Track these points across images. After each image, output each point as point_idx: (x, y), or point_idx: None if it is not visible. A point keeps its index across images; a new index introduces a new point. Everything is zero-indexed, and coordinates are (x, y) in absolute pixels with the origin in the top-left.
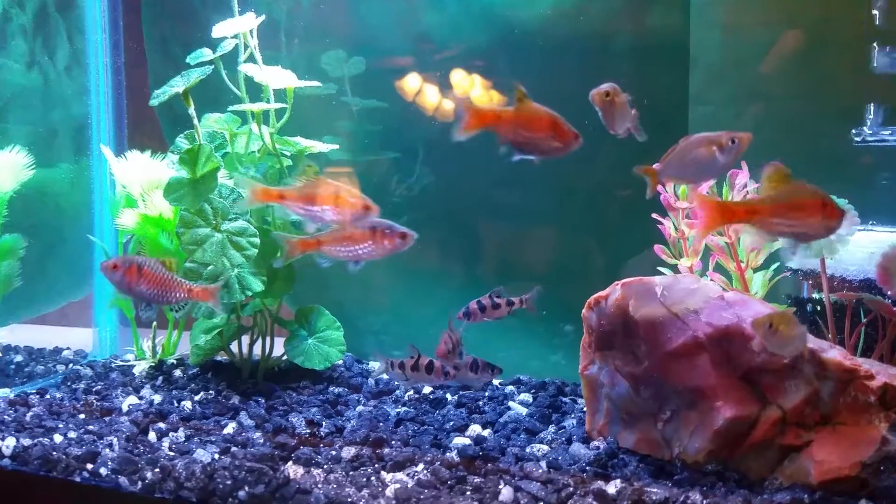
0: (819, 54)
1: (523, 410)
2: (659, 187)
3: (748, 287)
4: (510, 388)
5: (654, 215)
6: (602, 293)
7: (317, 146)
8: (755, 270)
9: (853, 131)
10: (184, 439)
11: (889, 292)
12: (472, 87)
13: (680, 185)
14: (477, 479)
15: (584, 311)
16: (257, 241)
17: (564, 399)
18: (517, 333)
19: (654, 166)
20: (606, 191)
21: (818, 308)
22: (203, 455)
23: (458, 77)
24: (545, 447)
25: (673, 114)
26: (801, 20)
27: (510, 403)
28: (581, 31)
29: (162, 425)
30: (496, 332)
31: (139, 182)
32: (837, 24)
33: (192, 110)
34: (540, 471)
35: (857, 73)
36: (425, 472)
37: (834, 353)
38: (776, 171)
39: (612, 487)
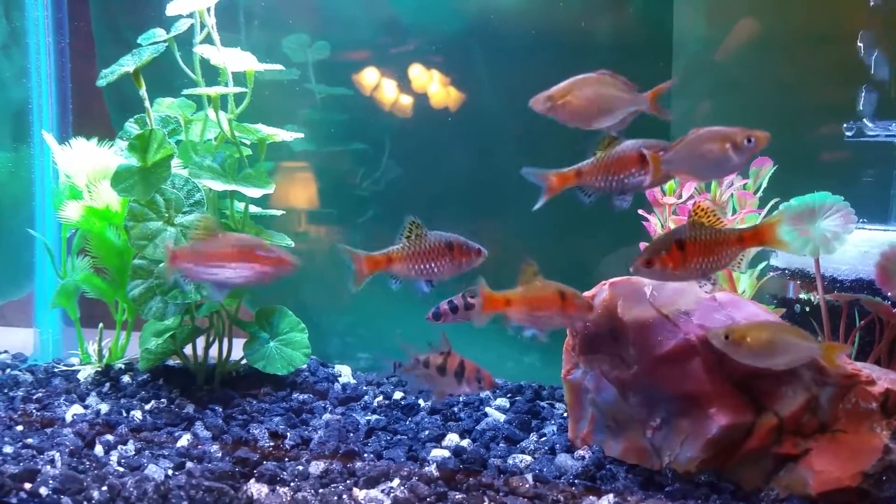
0: (806, 46)
1: (501, 417)
2: (652, 195)
3: (735, 287)
4: (485, 392)
5: (640, 211)
6: (588, 294)
7: (280, 134)
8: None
9: (844, 126)
10: (134, 453)
11: (890, 293)
12: (432, 81)
13: (682, 179)
14: (458, 496)
15: None
16: None
17: (542, 403)
18: (489, 334)
19: (660, 153)
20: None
21: (806, 309)
22: (155, 471)
23: (421, 69)
24: (528, 457)
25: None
26: (787, 11)
27: (487, 409)
28: (560, 21)
29: (109, 437)
30: (467, 333)
31: (84, 171)
32: (825, 15)
33: (143, 91)
34: (526, 485)
35: (845, 65)
36: (402, 488)
37: None
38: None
39: (604, 503)
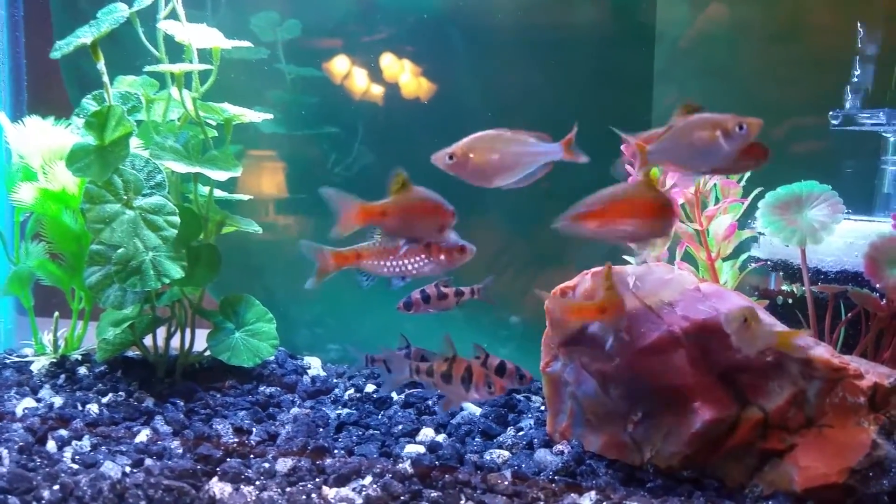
0: (791, 32)
1: (477, 410)
2: (628, 167)
3: (717, 277)
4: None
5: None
6: (569, 283)
7: (247, 115)
8: (724, 260)
9: (830, 114)
10: (89, 449)
11: (878, 285)
12: (406, 67)
13: (670, 169)
14: (434, 493)
15: (547, 302)
16: (176, 219)
17: (518, 396)
18: (462, 326)
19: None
20: (556, 174)
21: (789, 301)
22: (112, 469)
23: (396, 54)
24: (506, 453)
25: (636, 92)
26: None
27: (462, 402)
28: (539, 6)
29: (63, 433)
30: (439, 324)
31: (39, 151)
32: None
33: (101, 65)
34: (505, 482)
35: (833, 52)
36: (374, 486)
37: (821, 351)
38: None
39: (586, 501)
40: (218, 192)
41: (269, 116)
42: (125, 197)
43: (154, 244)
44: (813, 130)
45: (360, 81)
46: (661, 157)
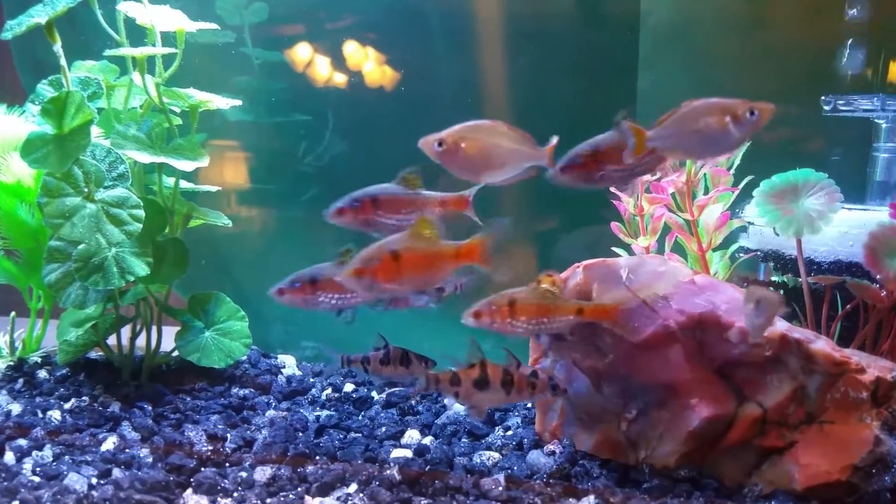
0: (780, 15)
1: (462, 409)
2: None
3: (708, 268)
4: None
5: (612, 189)
6: (560, 276)
7: (214, 101)
8: (713, 250)
9: (822, 99)
10: (51, 459)
11: (878, 275)
12: (377, 56)
13: (672, 157)
14: (424, 501)
15: None
16: (141, 213)
17: None
18: (438, 320)
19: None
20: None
21: (781, 292)
22: (77, 481)
23: (369, 39)
24: (496, 454)
25: (620, 79)
26: None
27: (446, 401)
28: None
29: (22, 442)
30: (415, 318)
31: None
32: None
33: (58, 47)
34: (499, 488)
35: (820, 37)
36: (361, 494)
37: (821, 344)
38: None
39: None
40: (184, 184)
41: (238, 102)
42: (86, 189)
43: (117, 239)
44: (799, 118)
45: (329, 67)
46: (661, 144)
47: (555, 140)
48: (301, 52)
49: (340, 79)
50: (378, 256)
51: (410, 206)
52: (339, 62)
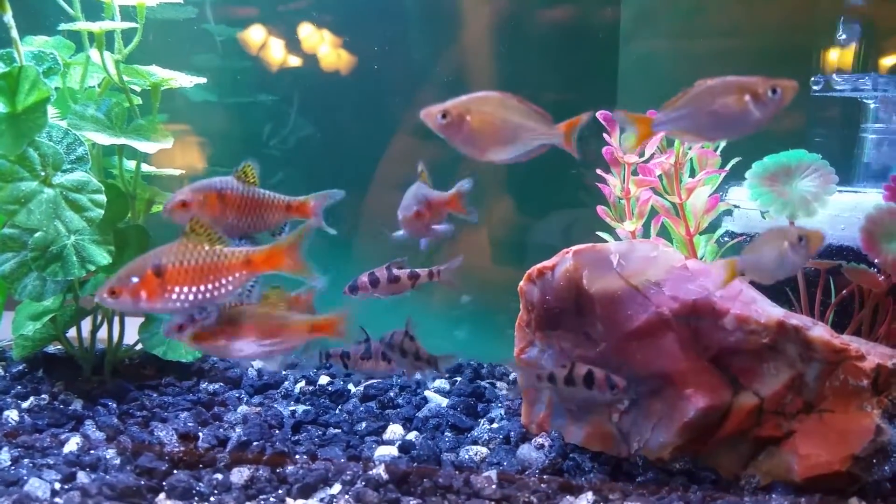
0: None
1: (443, 401)
2: (605, 136)
3: (696, 253)
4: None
5: (598, 171)
6: (547, 263)
7: (178, 79)
8: (700, 234)
9: (812, 79)
10: (10, 463)
11: (876, 259)
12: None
13: (684, 140)
14: (413, 501)
15: (522, 283)
16: (102, 198)
17: (482, 383)
18: (410, 307)
19: (650, 113)
20: None
21: None
22: (39, 487)
23: (341, 16)
24: (483, 449)
25: (601, 54)
26: None
27: (427, 393)
28: None
29: None
30: (387, 306)
31: None
32: None
33: (8, 17)
34: (492, 486)
35: (809, 13)
36: (346, 495)
37: (820, 331)
38: None
39: (583, 502)
40: (145, 167)
41: (202, 80)
42: (42, 173)
43: (77, 227)
44: (797, 95)
45: (295, 46)
46: (673, 126)
47: (576, 118)
48: (261, 31)
49: (307, 58)
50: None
51: (257, 207)
52: (305, 41)
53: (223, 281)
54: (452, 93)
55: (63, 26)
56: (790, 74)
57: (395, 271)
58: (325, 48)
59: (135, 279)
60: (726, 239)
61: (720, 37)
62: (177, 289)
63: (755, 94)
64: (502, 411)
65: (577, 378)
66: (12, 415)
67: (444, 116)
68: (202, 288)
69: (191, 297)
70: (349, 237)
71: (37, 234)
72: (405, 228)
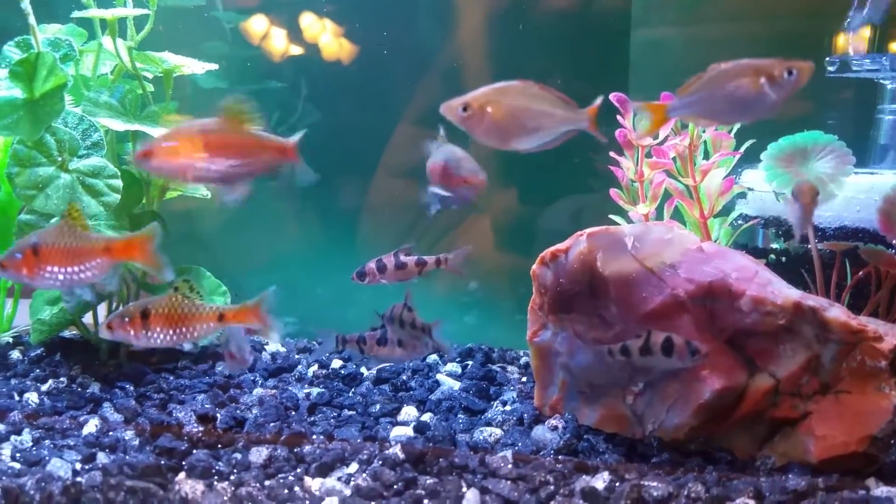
0: None
1: (455, 384)
2: (619, 118)
3: (710, 235)
4: (433, 356)
5: (611, 154)
6: (560, 246)
7: (190, 66)
8: (714, 217)
9: (827, 60)
10: (31, 444)
11: (894, 241)
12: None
13: (699, 124)
14: (430, 481)
15: (535, 266)
16: (119, 183)
17: (494, 367)
18: (419, 293)
19: (663, 100)
20: None
21: (783, 259)
22: (60, 467)
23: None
24: (497, 430)
25: (612, 42)
26: None
27: (438, 377)
28: None
29: (0, 427)
30: (395, 291)
31: None
32: None
33: (26, 4)
34: (508, 466)
35: None
36: (363, 474)
37: (836, 312)
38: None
39: (599, 482)
40: None
41: (214, 67)
42: (59, 158)
43: (94, 211)
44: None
45: (304, 32)
46: (689, 111)
47: (598, 101)
48: (268, 19)
49: (314, 46)
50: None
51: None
52: (311, 29)
53: (87, 265)
54: (460, 80)
55: (76, 14)
56: (804, 56)
57: (403, 258)
58: (332, 36)
59: (18, 255)
60: (740, 222)
61: (732, 21)
62: (48, 267)
63: (770, 76)
64: (514, 394)
65: (655, 347)
66: (32, 397)
67: (465, 109)
68: (69, 269)
69: (60, 276)
70: (355, 223)
71: (54, 220)
72: (437, 181)
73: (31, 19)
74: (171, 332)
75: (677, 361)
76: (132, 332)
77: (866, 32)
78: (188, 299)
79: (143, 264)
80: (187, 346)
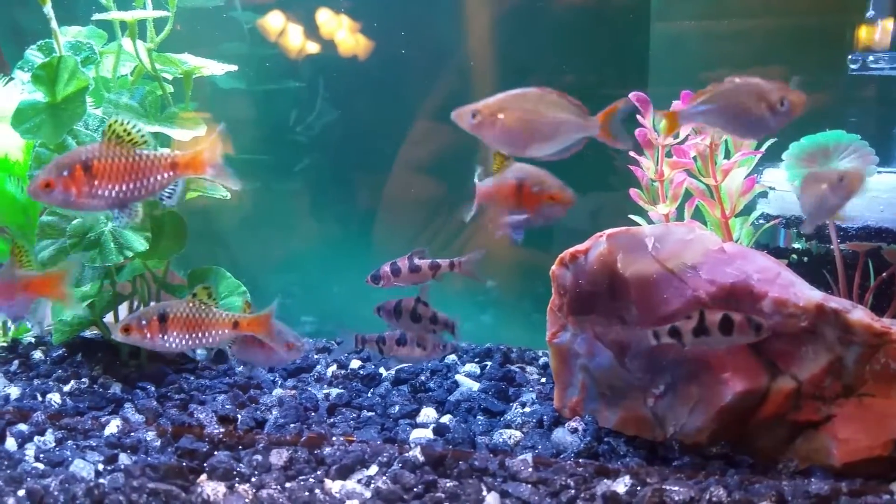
0: None
1: (474, 385)
2: (640, 117)
3: (731, 236)
4: (451, 357)
5: (630, 153)
6: (580, 247)
7: (209, 67)
8: (735, 216)
9: (850, 58)
10: (54, 445)
11: None
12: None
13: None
14: (450, 483)
15: (554, 267)
16: None
17: (513, 367)
18: (438, 292)
19: (683, 99)
20: None
21: (804, 259)
22: (83, 468)
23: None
24: (517, 433)
25: (631, 36)
26: None
27: (457, 377)
28: None
29: (23, 427)
30: (412, 292)
31: None
32: None
33: (48, 9)
34: (528, 469)
35: None
36: (383, 476)
37: (859, 314)
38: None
39: (620, 486)
40: None
41: (233, 68)
42: None
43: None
44: (815, 76)
45: (319, 31)
46: (699, 120)
47: (610, 107)
48: (285, 18)
49: (331, 44)
50: None
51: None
52: (327, 26)
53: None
54: (477, 75)
55: (97, 16)
56: (824, 53)
57: (417, 261)
58: (348, 33)
59: (65, 172)
60: (762, 221)
61: (752, 15)
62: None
63: (769, 103)
64: (533, 395)
65: (712, 326)
66: (55, 398)
67: (474, 116)
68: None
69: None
70: (372, 221)
71: (75, 221)
72: (510, 203)
73: (54, 24)
74: (187, 337)
75: (740, 338)
76: (149, 336)
77: (889, 26)
78: (205, 305)
79: (55, 299)
80: (199, 353)
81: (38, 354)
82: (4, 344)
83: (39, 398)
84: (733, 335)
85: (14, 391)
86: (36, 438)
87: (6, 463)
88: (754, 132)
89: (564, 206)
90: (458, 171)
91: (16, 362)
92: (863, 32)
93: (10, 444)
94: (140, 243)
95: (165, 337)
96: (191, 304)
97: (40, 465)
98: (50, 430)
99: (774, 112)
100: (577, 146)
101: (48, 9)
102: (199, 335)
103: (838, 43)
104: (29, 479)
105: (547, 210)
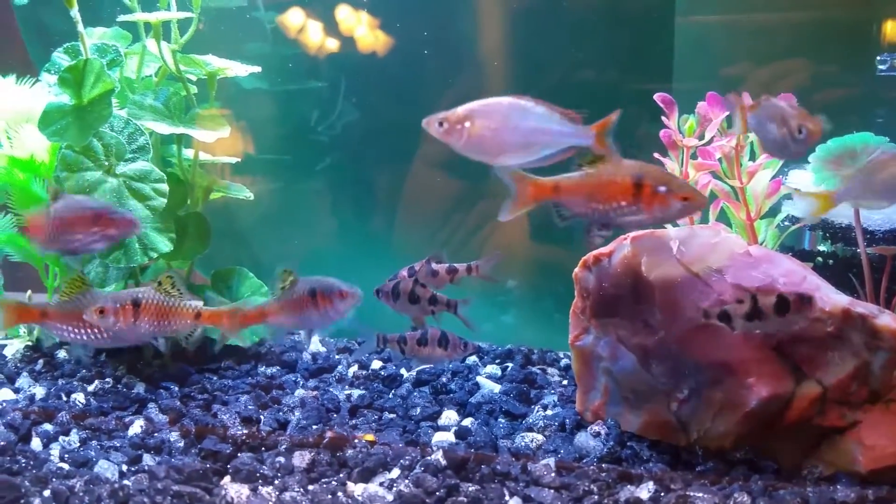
0: None
1: (496, 387)
2: (663, 118)
3: (756, 238)
4: (472, 358)
5: (654, 155)
6: (603, 250)
7: (233, 68)
8: (760, 219)
9: (878, 59)
10: (78, 445)
11: None
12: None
13: None
14: (472, 488)
15: (577, 270)
16: (165, 187)
17: (534, 369)
18: (459, 292)
19: (708, 101)
20: None
21: (829, 262)
22: (107, 468)
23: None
24: (539, 436)
25: (656, 32)
26: None
27: (478, 379)
28: None
29: (48, 427)
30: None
31: (3, 114)
32: None
33: (75, 12)
34: (551, 474)
35: None
36: (405, 480)
37: (887, 319)
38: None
39: (644, 492)
40: (202, 155)
41: (257, 69)
42: (106, 163)
43: (140, 215)
44: (841, 75)
45: (341, 30)
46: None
47: (609, 117)
48: (307, 17)
49: (352, 43)
50: None
51: None
52: (347, 23)
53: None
54: (498, 70)
55: (122, 17)
56: (853, 49)
57: (434, 265)
58: (369, 32)
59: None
60: (787, 223)
61: (778, 10)
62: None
63: (790, 130)
64: (555, 398)
65: (767, 309)
66: (79, 398)
67: (440, 125)
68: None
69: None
70: (392, 219)
71: None
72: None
73: (80, 26)
74: (155, 324)
75: (796, 318)
76: (122, 320)
77: None
78: (170, 295)
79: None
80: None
81: (62, 354)
82: (29, 343)
83: (64, 398)
84: (789, 315)
85: (39, 391)
86: (61, 438)
87: (32, 463)
88: (780, 154)
89: (697, 207)
90: (479, 170)
91: (40, 361)
92: (888, 27)
93: (36, 443)
94: (164, 244)
95: (137, 323)
96: (158, 293)
97: (65, 466)
98: (74, 430)
99: (794, 139)
100: (564, 155)
101: (75, 12)
102: (166, 323)
103: (866, 36)
104: (54, 479)
105: (674, 212)
